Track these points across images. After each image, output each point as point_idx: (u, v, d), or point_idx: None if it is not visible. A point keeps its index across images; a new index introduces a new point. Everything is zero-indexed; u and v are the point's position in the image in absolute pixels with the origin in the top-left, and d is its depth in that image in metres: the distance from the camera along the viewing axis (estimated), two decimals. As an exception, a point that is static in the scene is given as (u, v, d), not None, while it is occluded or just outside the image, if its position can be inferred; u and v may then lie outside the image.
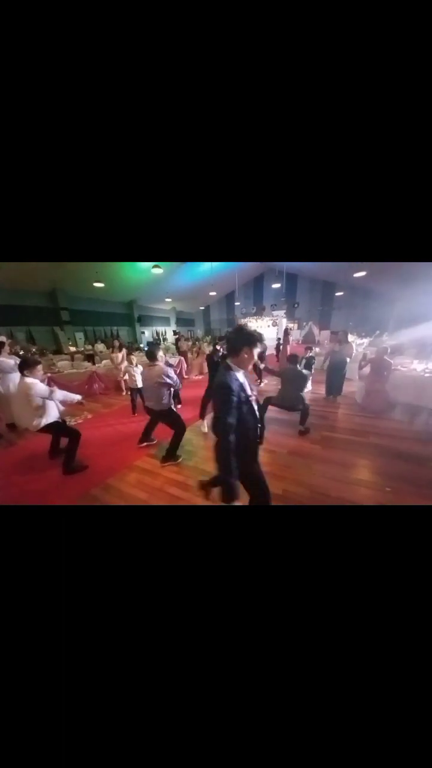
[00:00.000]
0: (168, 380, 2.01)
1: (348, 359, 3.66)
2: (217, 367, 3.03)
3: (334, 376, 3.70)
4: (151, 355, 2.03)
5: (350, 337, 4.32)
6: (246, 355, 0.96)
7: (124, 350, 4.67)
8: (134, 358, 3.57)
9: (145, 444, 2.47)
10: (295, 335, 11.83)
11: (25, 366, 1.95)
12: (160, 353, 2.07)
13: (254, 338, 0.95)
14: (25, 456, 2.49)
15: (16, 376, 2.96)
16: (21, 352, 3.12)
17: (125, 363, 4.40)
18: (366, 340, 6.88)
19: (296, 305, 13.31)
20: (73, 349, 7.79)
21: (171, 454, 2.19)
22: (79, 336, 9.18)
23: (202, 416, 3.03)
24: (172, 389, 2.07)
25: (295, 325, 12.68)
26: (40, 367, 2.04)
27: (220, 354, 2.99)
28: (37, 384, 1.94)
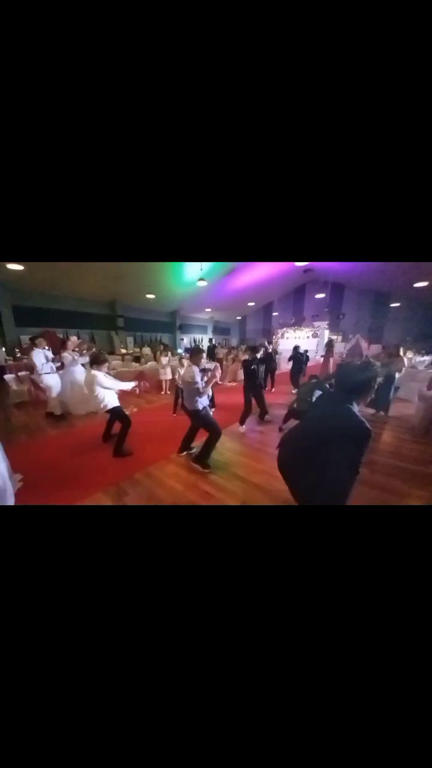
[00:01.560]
0: (195, 383, 2.04)
1: (398, 374, 3.30)
2: (254, 374, 3.09)
3: (382, 390, 3.39)
4: (193, 357, 2.17)
5: (409, 354, 3.86)
6: (372, 390, 0.93)
7: (169, 354, 5.20)
8: (185, 361, 3.85)
9: (185, 453, 2.42)
10: (339, 348, 10.96)
11: (95, 362, 2.42)
12: (203, 356, 2.18)
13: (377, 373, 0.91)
14: (79, 441, 2.91)
15: (76, 369, 3.59)
16: (93, 350, 3.86)
17: (169, 365, 4.87)
18: (427, 358, 5.95)
19: (341, 316, 12.40)
20: (123, 351, 8.94)
21: (202, 457, 2.18)
22: (129, 340, 10.49)
23: (242, 422, 3.10)
24: (204, 391, 2.11)
25: (339, 337, 11.77)
26: (106, 364, 2.49)
27: (258, 359, 3.05)
28: (99, 375, 2.36)
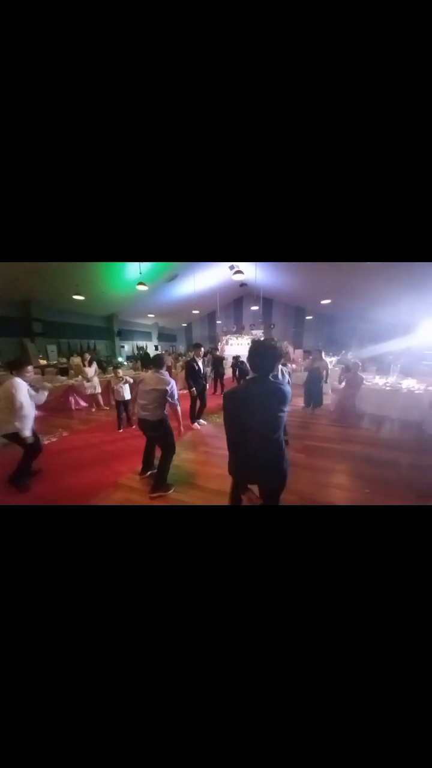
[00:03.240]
0: (169, 398, 1.88)
1: (324, 372, 4.07)
2: (198, 374, 3.23)
3: (313, 389, 4.08)
4: (158, 363, 1.96)
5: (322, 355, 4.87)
6: (279, 366, 1.04)
7: (95, 364, 4.48)
8: (120, 371, 3.47)
9: (148, 474, 2.16)
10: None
11: (16, 366, 1.92)
12: (168, 362, 2.08)
13: (281, 353, 1.04)
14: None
15: None
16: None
17: (96, 377, 4.24)
18: (334, 359, 7.67)
19: (272, 326, 14.44)
20: (44, 362, 7.25)
21: (161, 482, 1.93)
22: (52, 349, 8.63)
23: (192, 420, 3.19)
24: (168, 400, 1.93)
25: (272, 344, 13.65)
26: (29, 367, 1.97)
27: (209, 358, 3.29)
28: (22, 384, 1.86)
